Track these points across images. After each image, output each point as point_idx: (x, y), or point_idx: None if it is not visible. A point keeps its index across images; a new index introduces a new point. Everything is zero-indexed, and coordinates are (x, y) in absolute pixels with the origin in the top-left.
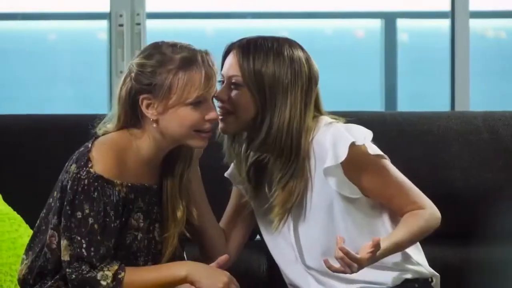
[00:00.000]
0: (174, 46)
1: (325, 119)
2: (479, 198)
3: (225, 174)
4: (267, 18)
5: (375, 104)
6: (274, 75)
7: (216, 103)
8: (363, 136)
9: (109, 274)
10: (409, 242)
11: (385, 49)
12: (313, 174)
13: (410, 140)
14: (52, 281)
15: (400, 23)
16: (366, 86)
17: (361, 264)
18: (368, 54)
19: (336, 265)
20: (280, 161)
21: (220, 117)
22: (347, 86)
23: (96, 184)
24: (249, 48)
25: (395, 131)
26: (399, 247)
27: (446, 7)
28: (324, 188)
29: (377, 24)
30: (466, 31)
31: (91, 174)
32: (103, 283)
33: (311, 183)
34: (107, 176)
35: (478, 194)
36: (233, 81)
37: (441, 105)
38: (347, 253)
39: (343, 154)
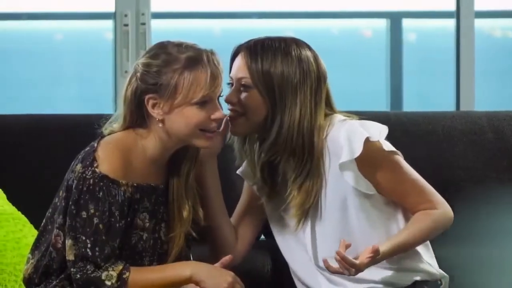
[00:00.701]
0: (179, 45)
1: (338, 116)
2: (484, 198)
3: (238, 172)
4: (273, 18)
5: (381, 104)
6: (282, 75)
7: (226, 106)
8: (378, 132)
9: (114, 274)
10: (414, 243)
11: (391, 49)
12: (327, 171)
13: (415, 140)
14: (57, 281)
15: (406, 23)
16: (372, 86)
17: (358, 268)
18: (374, 54)
19: (335, 265)
20: (293, 161)
21: (230, 119)
22: (353, 86)
23: (101, 184)
24: (257, 49)
25: (399, 131)
26: (403, 248)
27: (452, 7)
28: (338, 185)
29: (382, 24)
30: (471, 31)
31: (96, 173)
32: (108, 283)
33: (325, 181)
34: (112, 176)
35: (483, 194)
36: (242, 83)
37: (447, 105)
38: (343, 258)
39: (358, 149)
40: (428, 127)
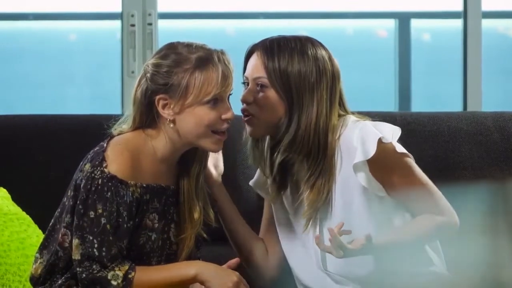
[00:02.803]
0: (189, 46)
1: (351, 117)
2: (489, 199)
3: (250, 183)
4: (278, 18)
5: (390, 105)
6: (300, 74)
7: (237, 106)
8: (391, 133)
9: (120, 274)
10: (410, 243)
11: (399, 50)
12: (337, 171)
13: (420, 141)
14: (63, 280)
15: (415, 23)
16: (382, 86)
17: (344, 250)
18: (382, 54)
19: (328, 244)
20: (307, 160)
21: (246, 121)
22: (363, 86)
23: (109, 184)
24: (273, 49)
25: (405, 131)
26: (398, 245)
27: (460, 7)
28: (346, 186)
29: (391, 24)
30: (479, 31)
31: (105, 174)
32: (114, 283)
33: (335, 181)
34: (121, 177)
35: (488, 194)
36: (258, 82)
37: (456, 105)
38: (334, 236)
39: (372, 151)
40: (433, 128)
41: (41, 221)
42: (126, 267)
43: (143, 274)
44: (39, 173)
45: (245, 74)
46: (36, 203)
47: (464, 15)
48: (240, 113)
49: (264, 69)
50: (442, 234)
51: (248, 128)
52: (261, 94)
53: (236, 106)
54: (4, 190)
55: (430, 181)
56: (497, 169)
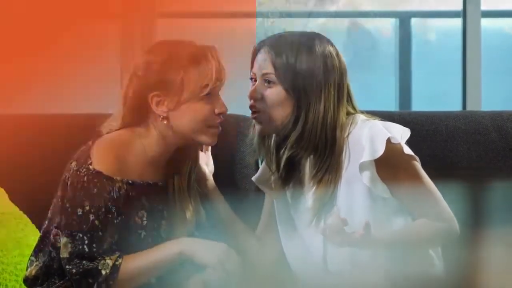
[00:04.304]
0: (180, 43)
1: (360, 116)
2: (488, 198)
3: (252, 178)
4: (277, 18)
5: (391, 104)
6: (307, 71)
7: (244, 103)
8: (400, 134)
9: (110, 262)
10: (408, 248)
11: (400, 49)
12: (344, 169)
13: (419, 140)
14: (61, 282)
15: (415, 22)
16: (382, 86)
17: (343, 236)
18: (383, 53)
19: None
20: (314, 156)
21: (254, 118)
22: (363, 86)
23: (95, 180)
24: (281, 45)
25: None
26: (397, 247)
27: (459, 6)
28: (351, 183)
29: (392, 23)
30: (478, 30)
31: (90, 170)
32: (103, 272)
33: (341, 177)
34: (106, 173)
35: (487, 194)
36: (266, 78)
37: (457, 105)
38: (336, 218)
39: (380, 150)
40: (431, 127)
41: (39, 221)
42: (116, 256)
43: (130, 260)
44: (37, 172)
45: (253, 70)
46: (34, 203)
47: (463, 14)
48: (237, 112)
49: (272, 65)
50: (442, 241)
51: (257, 126)
52: (268, 90)
53: (243, 104)
54: (2, 189)
55: (434, 186)
56: (495, 168)
